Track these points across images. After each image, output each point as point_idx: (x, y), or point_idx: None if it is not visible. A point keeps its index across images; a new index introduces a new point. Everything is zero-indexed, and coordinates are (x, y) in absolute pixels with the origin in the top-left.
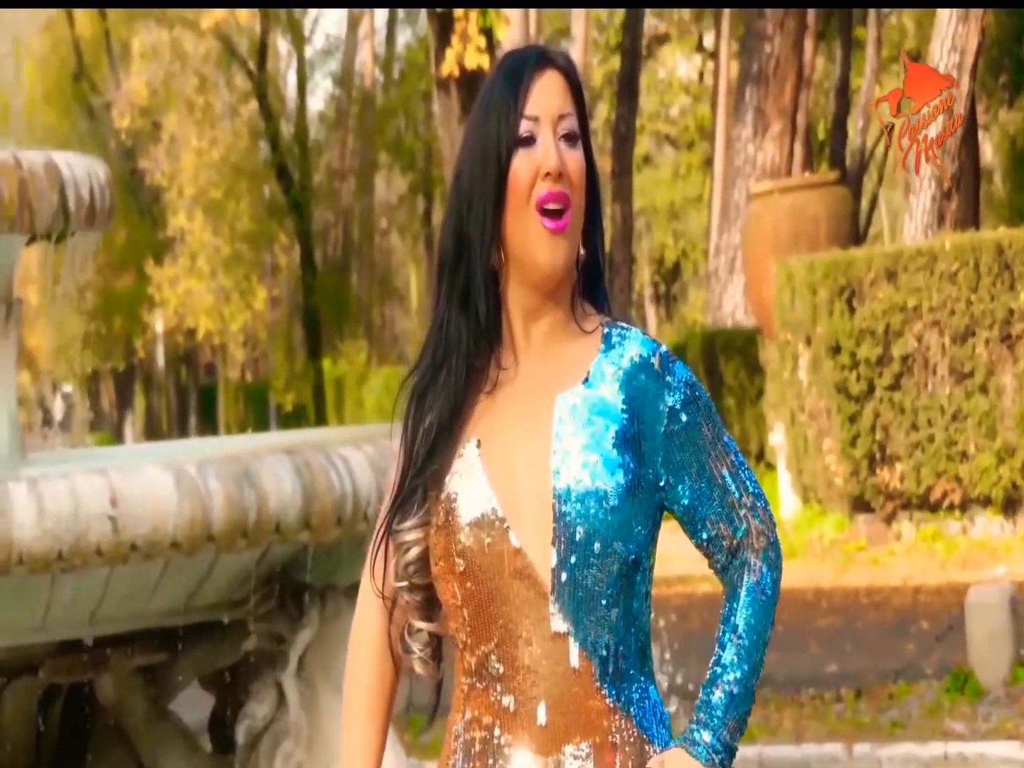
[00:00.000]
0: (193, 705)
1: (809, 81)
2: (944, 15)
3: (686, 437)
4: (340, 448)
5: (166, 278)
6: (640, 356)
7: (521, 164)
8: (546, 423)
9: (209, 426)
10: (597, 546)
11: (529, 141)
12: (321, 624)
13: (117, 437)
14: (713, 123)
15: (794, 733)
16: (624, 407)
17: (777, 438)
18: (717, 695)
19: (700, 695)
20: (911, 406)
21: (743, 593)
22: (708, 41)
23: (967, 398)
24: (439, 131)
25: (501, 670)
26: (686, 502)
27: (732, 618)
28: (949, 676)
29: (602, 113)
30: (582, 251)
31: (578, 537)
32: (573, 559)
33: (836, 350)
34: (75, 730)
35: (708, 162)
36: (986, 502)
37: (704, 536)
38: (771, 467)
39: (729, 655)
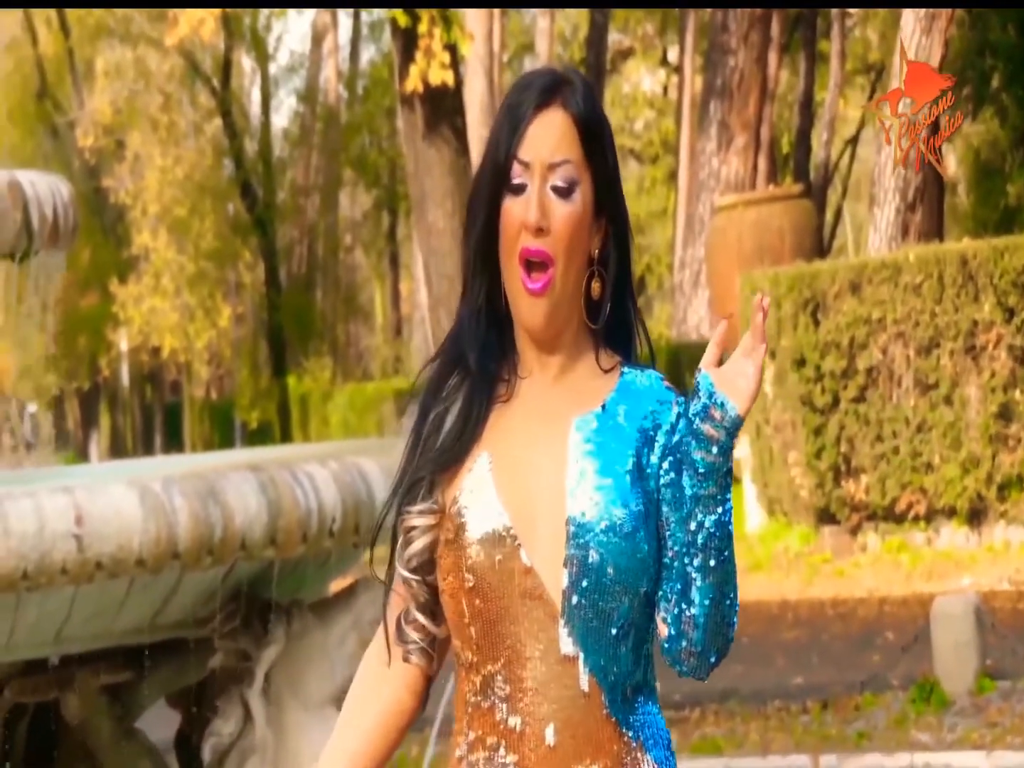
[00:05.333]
0: (159, 723)
1: (773, 94)
2: (908, 28)
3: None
4: (305, 465)
5: (130, 296)
6: (657, 398)
7: (509, 212)
8: (561, 444)
9: (174, 444)
10: (610, 571)
11: (519, 189)
12: (287, 641)
13: (82, 456)
14: (677, 137)
15: (760, 745)
16: (639, 438)
17: (742, 451)
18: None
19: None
20: (876, 418)
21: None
22: (672, 55)
23: (932, 410)
24: (403, 147)
25: (508, 690)
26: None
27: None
28: (915, 687)
29: None
30: (597, 290)
31: (591, 560)
32: (585, 583)
33: (801, 363)
34: (41, 749)
35: (672, 176)
36: (951, 513)
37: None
38: (736, 480)
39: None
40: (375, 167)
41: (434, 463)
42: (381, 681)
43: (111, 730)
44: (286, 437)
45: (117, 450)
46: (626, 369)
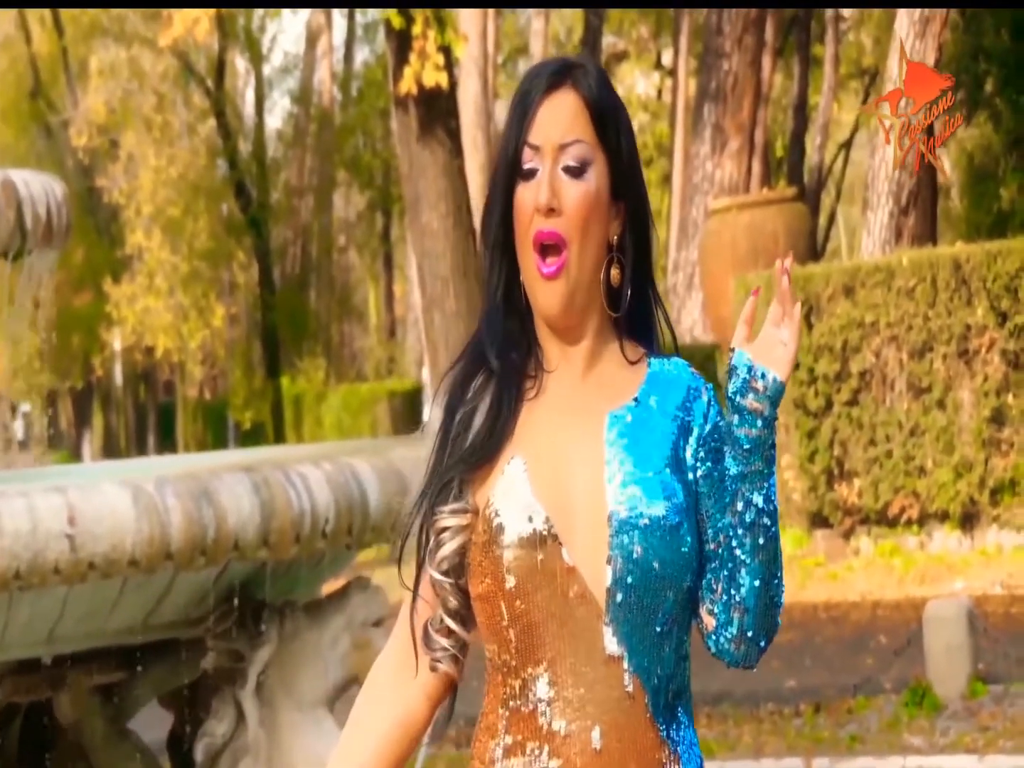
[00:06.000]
0: (152, 723)
1: (767, 98)
2: (902, 32)
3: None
4: (298, 466)
5: (124, 296)
6: (688, 385)
7: (521, 198)
8: (596, 439)
9: (167, 444)
10: (656, 566)
11: (531, 173)
12: (280, 642)
13: (75, 456)
14: (671, 140)
15: (753, 748)
16: (674, 428)
17: None
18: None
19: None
20: (869, 422)
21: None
22: (666, 58)
23: (925, 413)
24: (397, 149)
25: (551, 693)
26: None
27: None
28: (907, 690)
29: None
30: (616, 277)
31: (635, 555)
32: (630, 579)
33: (794, 366)
34: (34, 749)
35: (666, 179)
36: (944, 517)
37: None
38: None
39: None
40: (369, 168)
41: (465, 463)
42: (398, 686)
43: (104, 730)
44: (279, 438)
45: (110, 450)
46: (652, 359)
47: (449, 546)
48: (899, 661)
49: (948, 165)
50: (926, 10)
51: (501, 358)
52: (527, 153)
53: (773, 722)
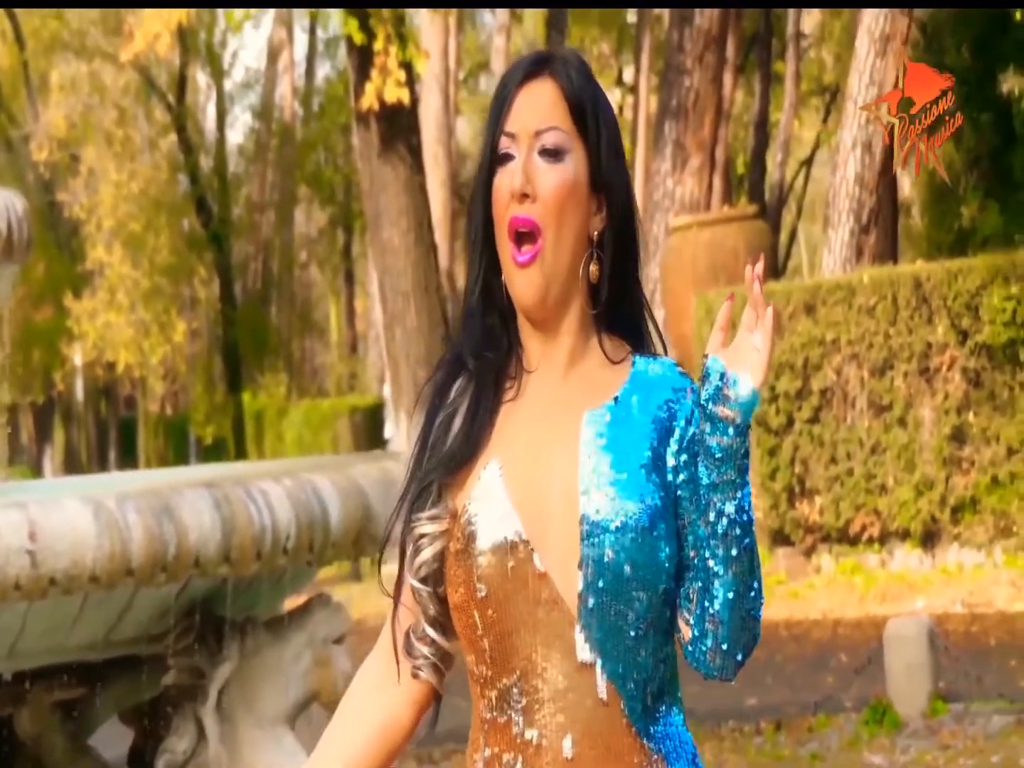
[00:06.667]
0: (113, 739)
1: (728, 115)
2: (862, 50)
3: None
4: (259, 482)
5: (85, 311)
6: (671, 386)
7: (497, 186)
8: (573, 440)
9: (129, 460)
10: (627, 569)
11: (507, 160)
12: (241, 658)
13: (36, 471)
14: (632, 157)
15: (714, 766)
16: (655, 429)
17: None
18: None
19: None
20: (830, 439)
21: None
22: (628, 75)
23: (886, 431)
24: (359, 164)
25: (524, 703)
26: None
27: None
28: (868, 709)
29: None
30: (595, 272)
31: (606, 559)
32: (601, 583)
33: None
34: None
35: None
36: (905, 535)
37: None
38: None
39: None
40: (330, 184)
41: (442, 468)
42: (380, 694)
43: (64, 746)
44: (241, 453)
45: (71, 465)
46: (637, 358)
47: (427, 552)
48: (860, 679)
49: (908, 183)
50: (887, 28)
51: (477, 356)
52: (504, 141)
53: (734, 740)
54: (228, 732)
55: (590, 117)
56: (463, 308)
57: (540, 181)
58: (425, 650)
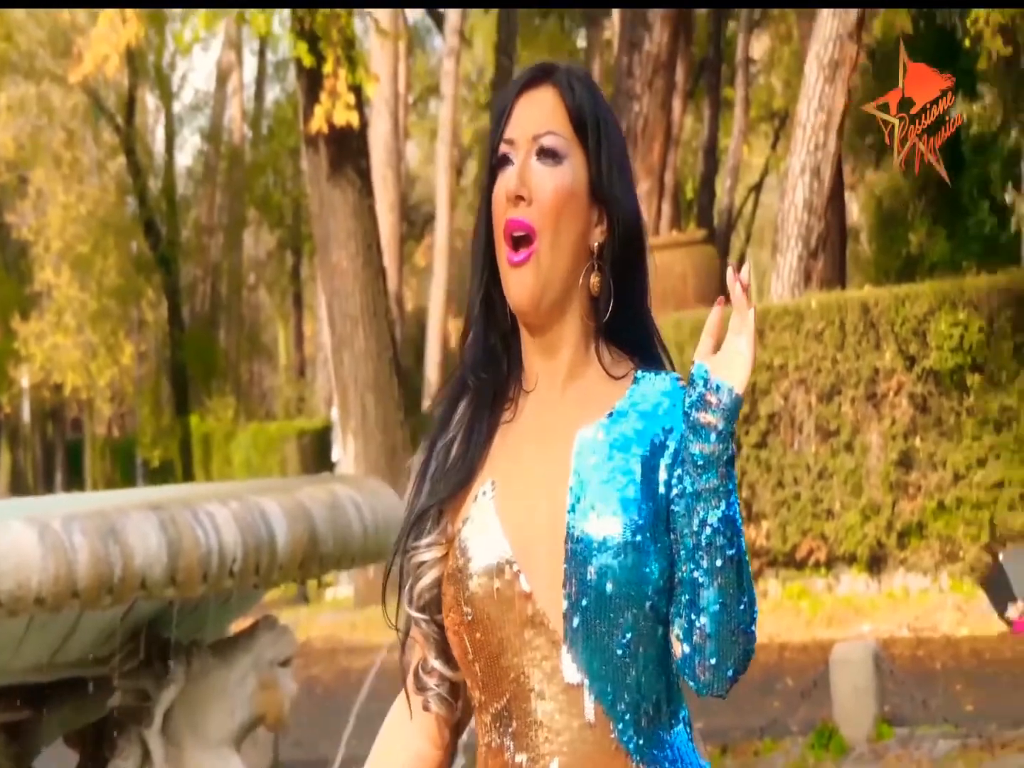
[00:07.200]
0: (57, 762)
1: (677, 140)
2: (811, 76)
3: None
4: (206, 504)
5: (32, 333)
6: (670, 400)
7: (495, 191)
8: (564, 459)
9: (75, 482)
10: (609, 587)
11: (505, 161)
12: (187, 681)
13: None
14: None
15: None
16: (649, 445)
17: None
18: None
19: None
20: (777, 464)
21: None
22: None
23: (833, 456)
24: (308, 188)
25: (514, 726)
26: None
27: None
28: (814, 732)
29: (471, 171)
30: (595, 284)
31: (589, 578)
32: (584, 602)
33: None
34: None
35: None
36: (851, 560)
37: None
38: None
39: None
40: (279, 207)
41: (440, 493)
42: (403, 732)
43: None
44: (188, 476)
45: (17, 487)
46: (640, 373)
47: (427, 579)
48: (806, 703)
49: (856, 209)
50: (836, 54)
51: (475, 374)
52: (503, 147)
53: None
54: (174, 754)
55: (591, 126)
56: (464, 322)
57: (536, 184)
58: (431, 682)
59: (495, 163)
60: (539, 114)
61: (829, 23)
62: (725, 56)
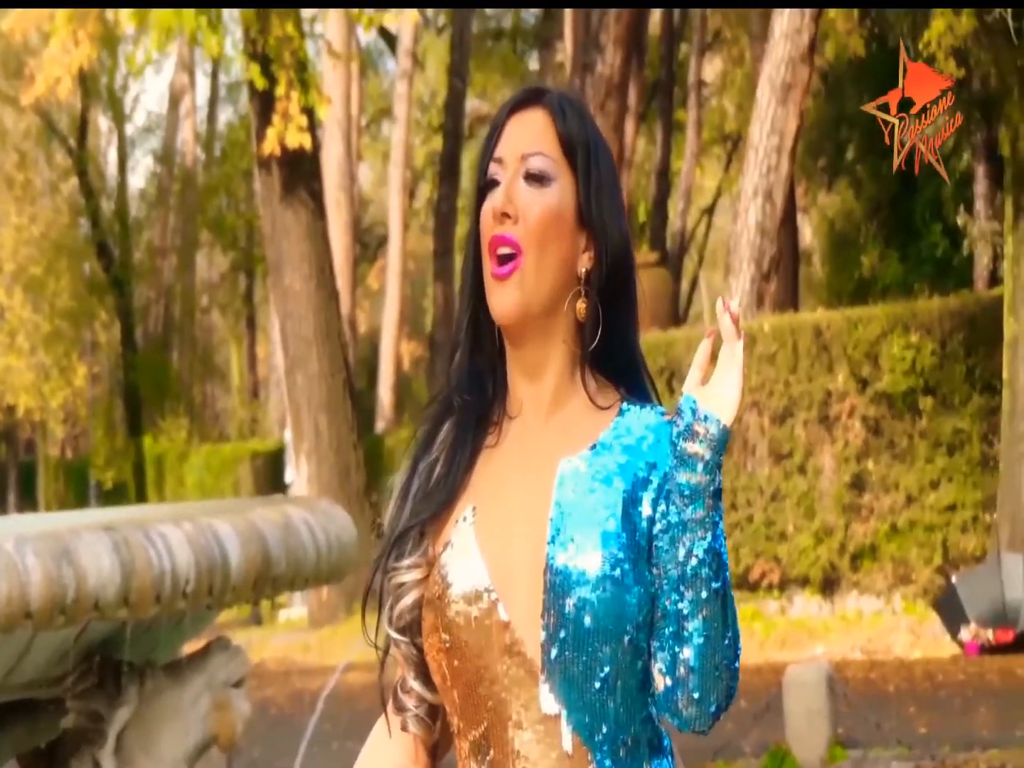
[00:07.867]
0: None
1: (630, 163)
2: (764, 98)
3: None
4: (159, 525)
5: None
6: (654, 434)
7: (483, 210)
8: (545, 488)
9: (28, 503)
10: (588, 620)
11: (494, 184)
12: (140, 702)
13: None
14: None
15: None
16: (632, 478)
17: None
18: None
19: None
20: (730, 486)
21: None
22: None
23: (786, 479)
24: (261, 209)
25: (492, 755)
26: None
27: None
28: (767, 755)
29: (424, 193)
30: (581, 310)
31: (567, 611)
32: (563, 634)
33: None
34: None
35: None
36: (804, 582)
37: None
38: None
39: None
40: (232, 229)
41: (422, 514)
42: (387, 748)
43: None
44: (141, 497)
45: None
46: (625, 405)
47: (407, 600)
48: (759, 725)
49: (809, 232)
50: (788, 77)
51: (461, 395)
52: (492, 168)
53: None
54: None
55: (580, 151)
56: (451, 343)
57: (522, 203)
58: (410, 703)
59: (483, 184)
60: (528, 135)
61: (781, 46)
62: (677, 79)
